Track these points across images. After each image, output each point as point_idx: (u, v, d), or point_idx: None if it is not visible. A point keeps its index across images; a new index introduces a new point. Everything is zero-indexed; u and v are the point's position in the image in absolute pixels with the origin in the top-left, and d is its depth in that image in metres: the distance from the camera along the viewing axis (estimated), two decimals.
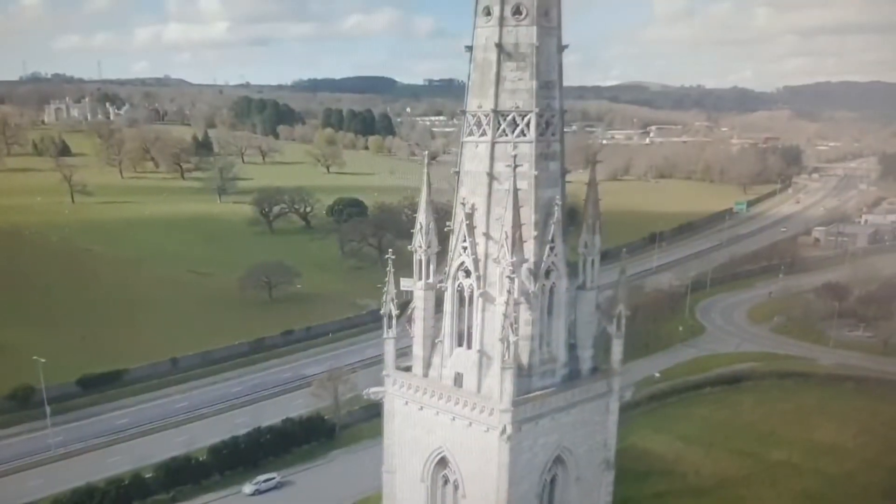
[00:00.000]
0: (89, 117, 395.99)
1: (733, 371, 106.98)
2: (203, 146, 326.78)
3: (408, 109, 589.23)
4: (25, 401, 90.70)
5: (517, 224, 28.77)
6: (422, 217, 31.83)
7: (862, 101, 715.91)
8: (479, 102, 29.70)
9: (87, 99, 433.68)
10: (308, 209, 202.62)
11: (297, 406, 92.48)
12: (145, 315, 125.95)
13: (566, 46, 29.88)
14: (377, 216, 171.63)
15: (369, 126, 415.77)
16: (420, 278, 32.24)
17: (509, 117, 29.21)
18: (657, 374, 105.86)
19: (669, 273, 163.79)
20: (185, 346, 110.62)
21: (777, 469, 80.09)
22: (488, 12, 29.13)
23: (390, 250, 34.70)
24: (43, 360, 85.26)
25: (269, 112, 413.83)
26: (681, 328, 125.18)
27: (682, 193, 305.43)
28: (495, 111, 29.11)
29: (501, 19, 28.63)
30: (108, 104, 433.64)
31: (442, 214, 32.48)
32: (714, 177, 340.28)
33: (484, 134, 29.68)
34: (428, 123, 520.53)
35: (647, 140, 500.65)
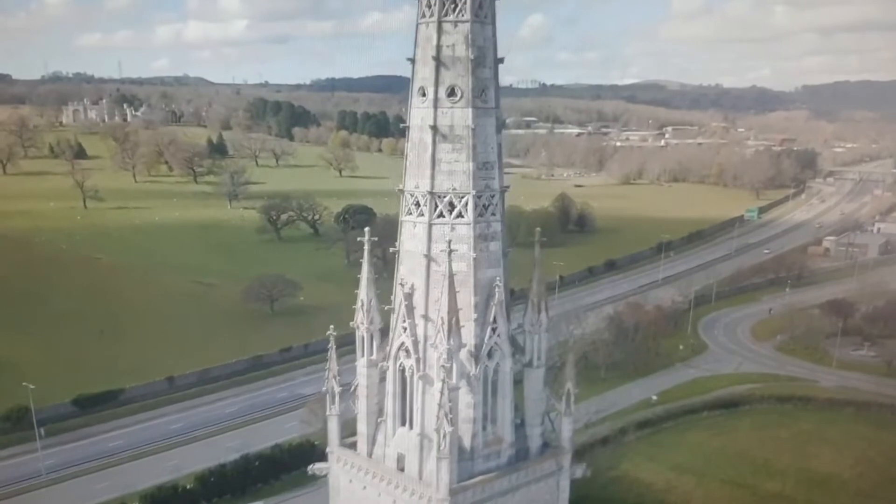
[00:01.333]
0: (106, 119, 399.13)
1: (732, 394, 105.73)
2: (217, 149, 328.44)
3: None
4: (21, 421, 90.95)
5: (453, 310, 28.20)
6: (363, 294, 31.29)
7: (882, 100, 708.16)
8: (416, 182, 29.15)
9: (104, 101, 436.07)
10: (316, 217, 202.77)
11: (290, 430, 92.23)
12: (146, 329, 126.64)
13: (505, 122, 29.36)
14: (382, 226, 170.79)
15: (383, 128, 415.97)
16: (363, 355, 31.78)
17: (446, 199, 28.66)
18: (654, 398, 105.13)
19: (675, 286, 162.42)
20: (183, 364, 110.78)
21: (769, 502, 79.15)
22: (423, 93, 28.63)
23: (331, 331, 34.01)
24: (32, 387, 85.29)
25: (284, 114, 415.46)
26: (681, 347, 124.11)
27: (694, 198, 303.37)
28: (432, 193, 28.56)
29: (436, 101, 28.10)
30: (125, 105, 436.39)
31: None
32: (727, 181, 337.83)
33: (422, 215, 29.13)
34: None
35: (663, 142, 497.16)
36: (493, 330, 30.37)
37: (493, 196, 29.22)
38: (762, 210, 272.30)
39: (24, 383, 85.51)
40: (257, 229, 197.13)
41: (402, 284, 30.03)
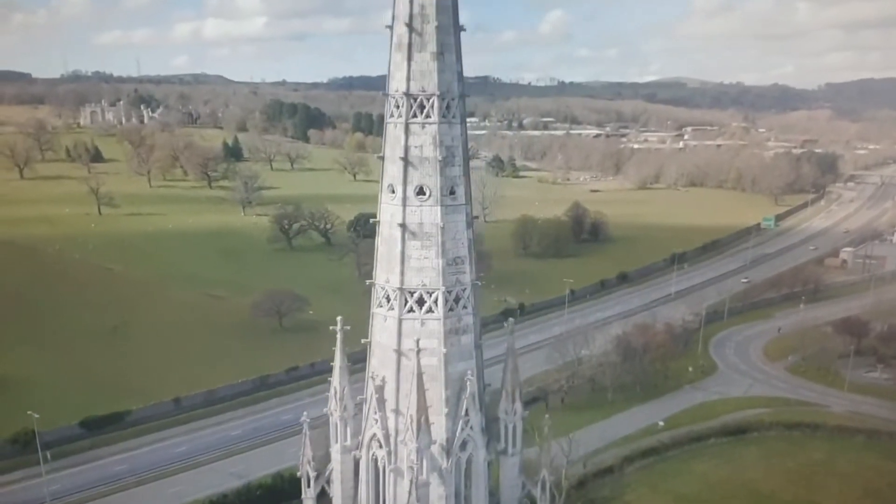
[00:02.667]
0: (123, 120, 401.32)
1: (739, 420, 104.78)
2: (233, 152, 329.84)
3: None
4: (28, 445, 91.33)
5: (422, 408, 27.95)
6: (336, 381, 31.18)
7: None
8: (386, 277, 28.88)
9: (121, 102, 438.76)
10: (328, 226, 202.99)
11: (292, 455, 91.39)
12: (155, 345, 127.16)
13: (476, 218, 29.05)
14: None
15: None
16: (336, 441, 31.62)
17: (416, 294, 28.39)
18: (661, 423, 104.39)
19: (687, 300, 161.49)
20: (190, 383, 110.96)
21: None
22: (392, 190, 28.39)
23: (304, 415, 33.78)
24: (37, 416, 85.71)
25: (300, 115, 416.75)
26: (690, 369, 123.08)
27: (711, 204, 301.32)
28: (401, 289, 28.30)
29: (405, 199, 27.84)
30: (142, 106, 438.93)
31: None
32: (746, 186, 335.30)
33: (392, 308, 28.86)
34: None
35: (681, 143, 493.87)
36: (466, 422, 30.08)
37: (464, 289, 28.90)
38: (779, 217, 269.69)
39: (28, 412, 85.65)
40: (269, 238, 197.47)
41: (373, 377, 29.86)
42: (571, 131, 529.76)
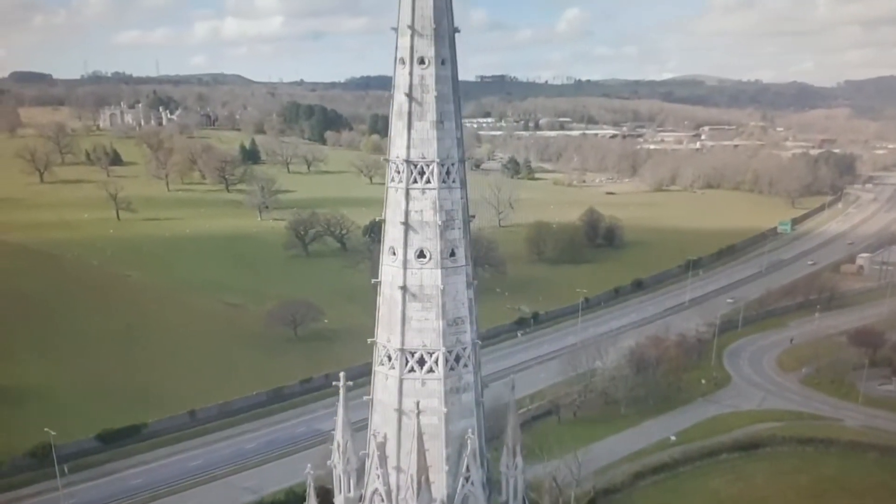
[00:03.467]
0: (143, 123, 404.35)
1: (752, 435, 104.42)
2: (250, 155, 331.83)
3: None
4: (45, 458, 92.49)
5: (423, 468, 28.44)
6: (339, 436, 31.72)
7: None
8: (387, 336, 29.42)
9: (140, 105, 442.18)
10: (343, 232, 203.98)
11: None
12: (171, 355, 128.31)
13: (475, 282, 29.56)
14: None
15: None
16: (339, 492, 32.19)
17: (417, 354, 28.87)
18: (673, 438, 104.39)
19: (701, 308, 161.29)
20: (205, 395, 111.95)
21: None
22: (393, 252, 28.90)
23: (308, 468, 34.27)
24: (53, 433, 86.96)
25: (316, 117, 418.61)
26: (703, 381, 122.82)
27: (727, 207, 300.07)
28: (402, 350, 28.80)
29: (405, 262, 28.34)
30: (161, 108, 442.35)
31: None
32: (763, 188, 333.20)
33: (393, 368, 29.41)
34: (475, 126, 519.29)
35: (698, 144, 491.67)
36: (467, 479, 30.55)
37: (464, 348, 29.40)
38: (796, 221, 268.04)
39: (45, 429, 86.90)
40: (285, 244, 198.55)
41: (374, 434, 30.38)
42: (588, 131, 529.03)
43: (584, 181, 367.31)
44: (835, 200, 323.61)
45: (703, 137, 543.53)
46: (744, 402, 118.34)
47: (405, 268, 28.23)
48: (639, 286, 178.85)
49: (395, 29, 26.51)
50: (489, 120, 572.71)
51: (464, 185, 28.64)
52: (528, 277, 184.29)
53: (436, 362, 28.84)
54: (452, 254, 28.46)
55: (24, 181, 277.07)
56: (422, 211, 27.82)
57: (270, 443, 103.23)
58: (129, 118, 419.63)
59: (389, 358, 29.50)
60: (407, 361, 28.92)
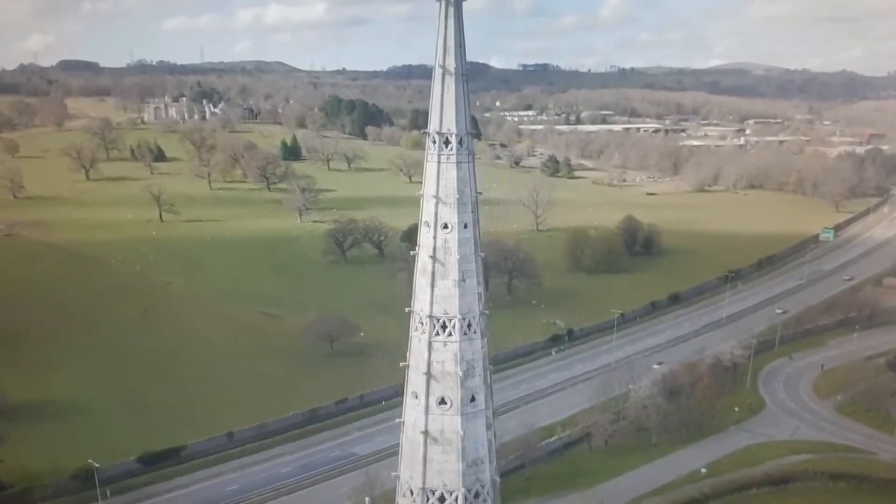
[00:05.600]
0: (186, 117, 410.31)
1: (783, 468, 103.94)
2: (291, 151, 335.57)
3: (497, 103, 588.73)
4: (88, 481, 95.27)
5: None
6: None
7: None
8: (409, 474, 30.77)
9: (184, 98, 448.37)
10: (381, 238, 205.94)
11: (340, 497, 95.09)
12: (209, 371, 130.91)
13: (491, 427, 30.69)
14: None
15: None
16: None
17: (437, 492, 30.15)
18: (703, 471, 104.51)
19: (738, 325, 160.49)
20: (243, 415, 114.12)
21: None
22: (416, 396, 30.13)
23: None
24: (97, 465, 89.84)
25: (358, 112, 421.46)
26: (736, 409, 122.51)
27: (770, 210, 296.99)
28: (423, 488, 30.08)
29: (427, 408, 29.60)
30: (204, 101, 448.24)
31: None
32: (807, 189, 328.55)
33: (414, 502, 30.68)
34: (516, 120, 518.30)
35: (742, 139, 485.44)
36: None
37: (483, 486, 30.64)
38: (839, 227, 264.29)
39: (89, 460, 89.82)
40: (324, 250, 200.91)
41: None
42: (630, 125, 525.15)
43: (624, 180, 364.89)
44: (881, 203, 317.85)
45: (747, 132, 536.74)
46: (777, 432, 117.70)
47: (427, 413, 29.53)
48: (675, 300, 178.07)
49: (421, 195, 27.69)
50: (530, 113, 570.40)
51: (484, 335, 29.80)
52: (565, 288, 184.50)
53: (455, 500, 30.10)
54: (473, 399, 29.70)
55: (71, 178, 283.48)
56: (443, 362, 29.06)
57: (305, 466, 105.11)
58: (173, 112, 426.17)
59: (411, 492, 30.83)
60: (428, 499, 30.25)
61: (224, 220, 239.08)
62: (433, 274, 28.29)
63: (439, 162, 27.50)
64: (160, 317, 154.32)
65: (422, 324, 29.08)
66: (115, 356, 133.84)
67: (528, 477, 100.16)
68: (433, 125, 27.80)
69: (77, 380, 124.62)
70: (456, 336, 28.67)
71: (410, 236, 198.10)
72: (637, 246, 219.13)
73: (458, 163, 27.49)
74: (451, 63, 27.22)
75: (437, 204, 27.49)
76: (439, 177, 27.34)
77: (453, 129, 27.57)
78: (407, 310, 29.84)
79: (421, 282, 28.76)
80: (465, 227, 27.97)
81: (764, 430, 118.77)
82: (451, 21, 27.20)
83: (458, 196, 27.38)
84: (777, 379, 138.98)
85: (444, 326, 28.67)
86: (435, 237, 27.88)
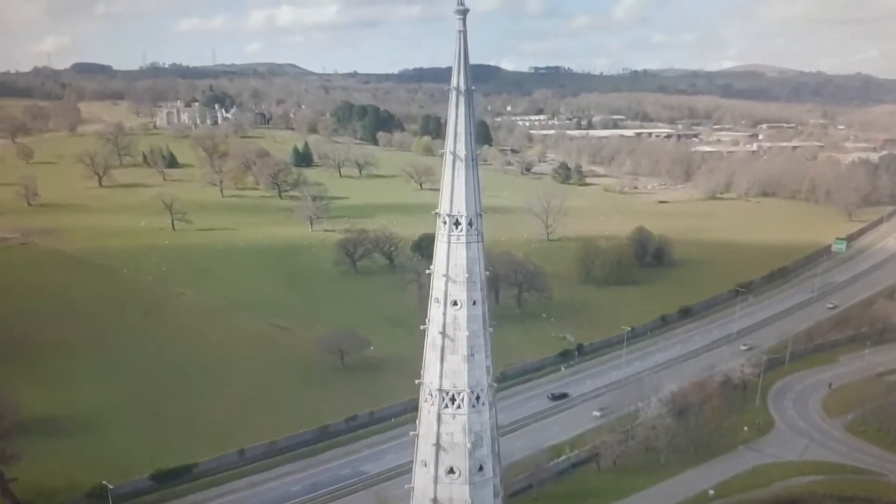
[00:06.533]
0: (198, 122, 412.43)
1: (791, 489, 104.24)
2: (303, 157, 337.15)
3: (508, 108, 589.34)
4: (102, 499, 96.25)
5: None
6: None
7: None
8: None
9: (196, 104, 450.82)
10: (392, 248, 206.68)
11: None
12: (219, 385, 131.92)
13: (498, 494, 31.24)
14: None
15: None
16: None
17: None
18: (711, 492, 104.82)
19: (748, 340, 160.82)
20: (254, 431, 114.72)
21: None
22: (425, 465, 30.72)
23: None
24: (111, 486, 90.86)
25: (369, 118, 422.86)
26: (746, 429, 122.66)
27: (782, 218, 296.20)
28: None
29: (436, 477, 30.18)
30: (216, 106, 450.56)
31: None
32: (819, 197, 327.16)
33: None
34: (527, 124, 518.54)
35: (755, 145, 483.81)
36: None
37: None
38: (852, 237, 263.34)
39: (103, 482, 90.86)
40: (334, 261, 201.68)
41: None
42: (642, 130, 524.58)
43: (635, 187, 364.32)
44: (895, 212, 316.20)
45: (760, 137, 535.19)
46: (786, 452, 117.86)
47: (436, 482, 30.15)
48: (686, 313, 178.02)
49: (431, 272, 28.33)
50: (542, 117, 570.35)
51: (493, 406, 30.37)
52: (575, 301, 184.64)
53: None
54: (480, 469, 30.30)
55: (84, 185, 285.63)
56: (452, 433, 29.67)
57: (315, 485, 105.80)
58: (185, 117, 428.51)
59: None
60: None
61: (236, 228, 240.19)
62: (443, 348, 28.92)
63: (449, 242, 28.17)
64: (172, 329, 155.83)
65: (431, 395, 29.70)
66: (129, 369, 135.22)
67: (536, 497, 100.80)
68: (444, 207, 28.43)
69: (90, 394, 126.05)
70: (465, 409, 29.28)
71: (421, 246, 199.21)
72: (648, 257, 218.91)
73: (468, 243, 28.15)
74: (461, 150, 27.88)
75: (447, 282, 28.14)
76: (449, 256, 27.98)
77: (463, 212, 28.22)
78: (417, 381, 30.44)
79: (430, 356, 29.41)
80: (474, 303, 28.61)
81: (773, 449, 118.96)
82: (462, 109, 27.86)
83: (467, 275, 28.02)
84: (787, 396, 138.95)
85: (452, 399, 29.28)
86: (445, 313, 28.52)
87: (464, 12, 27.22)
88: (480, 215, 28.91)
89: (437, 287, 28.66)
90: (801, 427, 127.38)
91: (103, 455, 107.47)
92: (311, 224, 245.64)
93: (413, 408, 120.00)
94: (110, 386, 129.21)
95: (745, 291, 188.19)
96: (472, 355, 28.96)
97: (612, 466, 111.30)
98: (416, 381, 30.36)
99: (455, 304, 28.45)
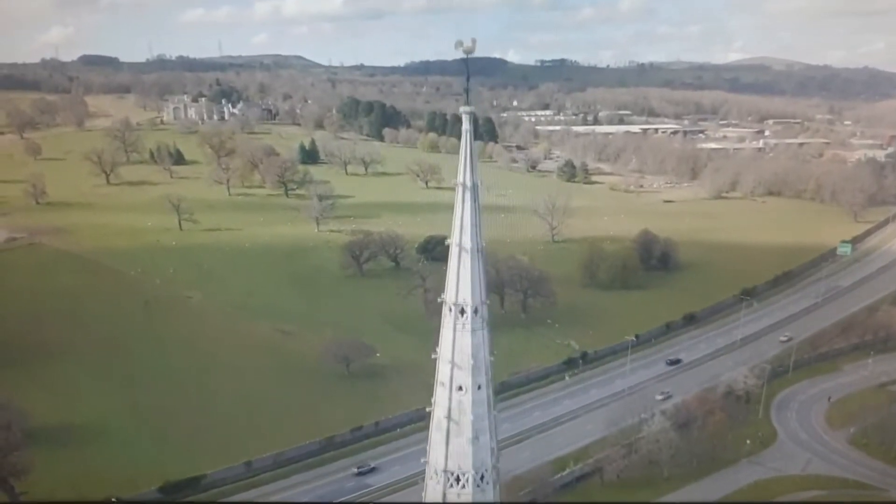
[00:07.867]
0: (205, 118, 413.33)
1: None
2: (309, 155, 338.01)
3: (514, 102, 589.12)
4: None
5: None
6: None
7: None
8: None
9: (203, 99, 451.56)
10: (397, 251, 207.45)
11: None
12: (226, 393, 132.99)
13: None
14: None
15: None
16: None
17: None
18: None
19: (752, 350, 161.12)
20: (260, 442, 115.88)
21: None
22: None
23: None
24: (118, 502, 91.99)
25: (375, 114, 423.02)
26: (748, 441, 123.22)
27: (788, 218, 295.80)
28: None
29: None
30: (223, 100, 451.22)
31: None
32: (825, 197, 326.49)
33: None
34: (533, 120, 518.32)
35: (761, 142, 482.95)
36: None
37: None
38: (857, 238, 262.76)
39: (112, 500, 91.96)
40: (340, 264, 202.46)
41: None
42: (648, 125, 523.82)
43: (641, 186, 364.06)
44: None
45: (766, 134, 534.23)
46: (788, 466, 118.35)
47: None
48: (691, 320, 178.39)
49: (437, 357, 29.02)
50: (548, 113, 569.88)
51: (496, 483, 31.07)
52: (579, 305, 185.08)
53: None
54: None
55: (92, 182, 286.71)
56: None
57: (321, 497, 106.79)
58: (192, 112, 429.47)
59: None
60: None
61: (242, 228, 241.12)
62: (448, 431, 29.59)
63: (454, 329, 28.82)
64: (179, 334, 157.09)
65: (437, 474, 30.38)
66: (135, 376, 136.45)
67: None
68: (449, 296, 29.09)
69: (97, 400, 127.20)
70: (469, 488, 29.96)
71: (427, 248, 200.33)
72: (653, 260, 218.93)
73: (473, 330, 28.83)
74: (466, 242, 28.52)
75: (452, 368, 28.83)
76: (454, 343, 28.65)
77: (468, 301, 28.86)
78: (423, 460, 31.12)
79: (436, 437, 30.09)
80: (479, 388, 29.28)
81: (775, 463, 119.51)
82: (469, 204, 28.50)
83: (472, 362, 28.69)
84: (790, 407, 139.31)
85: (457, 479, 29.97)
86: (450, 398, 29.19)
87: (470, 113, 27.83)
88: (485, 303, 29.58)
89: (442, 371, 29.34)
90: (803, 440, 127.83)
91: (111, 466, 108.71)
92: (318, 224, 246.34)
93: (418, 418, 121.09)
94: (117, 392, 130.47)
95: (750, 296, 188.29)
96: (477, 438, 29.64)
97: (616, 480, 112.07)
98: (422, 460, 31.06)
99: (460, 388, 29.13)
